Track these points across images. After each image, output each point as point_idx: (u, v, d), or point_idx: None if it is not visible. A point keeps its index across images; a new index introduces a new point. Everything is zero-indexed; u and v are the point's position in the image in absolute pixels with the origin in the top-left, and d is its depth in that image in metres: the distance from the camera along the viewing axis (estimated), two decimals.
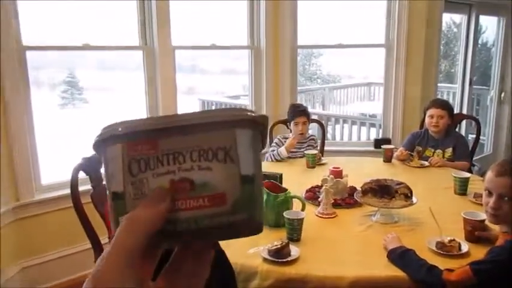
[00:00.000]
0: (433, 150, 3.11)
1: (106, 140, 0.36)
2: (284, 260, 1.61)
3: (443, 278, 1.48)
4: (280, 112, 3.88)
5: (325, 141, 3.70)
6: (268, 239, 1.69)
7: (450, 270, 1.50)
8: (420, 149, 3.12)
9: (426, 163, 2.97)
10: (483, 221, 1.77)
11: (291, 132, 3.25)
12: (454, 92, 5.41)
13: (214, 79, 8.83)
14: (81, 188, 2.02)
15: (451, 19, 6.15)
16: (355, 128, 5.98)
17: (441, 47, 4.58)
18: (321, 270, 1.57)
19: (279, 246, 1.62)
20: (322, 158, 3.15)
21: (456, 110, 4.46)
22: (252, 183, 0.36)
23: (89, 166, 2.05)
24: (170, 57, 3.38)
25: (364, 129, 5.91)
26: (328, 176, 2.29)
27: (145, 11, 3.24)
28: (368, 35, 4.90)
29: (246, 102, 4.93)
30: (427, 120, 3.14)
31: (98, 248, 2.00)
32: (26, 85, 2.74)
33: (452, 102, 4.79)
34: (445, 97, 5.70)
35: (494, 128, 5.34)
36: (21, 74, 2.70)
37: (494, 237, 1.70)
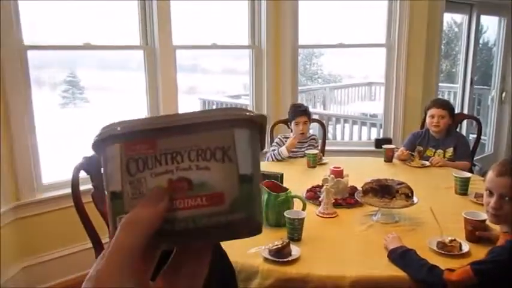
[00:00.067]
0: (434, 150, 3.11)
1: (105, 139, 0.36)
2: (285, 259, 1.61)
3: (444, 278, 1.48)
4: (281, 112, 3.88)
5: (326, 141, 3.70)
6: (269, 239, 1.69)
7: (451, 270, 1.50)
8: (421, 148, 3.12)
9: (427, 163, 2.97)
10: (484, 221, 1.77)
11: (291, 131, 3.25)
12: (455, 92, 5.40)
13: (215, 79, 8.82)
14: (82, 188, 2.02)
15: (452, 19, 6.14)
16: (356, 127, 5.98)
17: (442, 47, 4.57)
18: (322, 270, 1.57)
19: (279, 245, 1.62)
20: (323, 157, 3.15)
21: (457, 110, 4.46)
22: (251, 182, 0.36)
23: (89, 165, 2.05)
24: (171, 57, 3.38)
25: (365, 129, 5.91)
26: (329, 176, 2.29)
27: (146, 11, 3.25)
28: (369, 35, 4.90)
29: (246, 101, 4.93)
30: (428, 120, 3.13)
31: (98, 247, 2.01)
32: (27, 84, 2.74)
33: (453, 102, 4.79)
34: (446, 97, 5.70)
35: (495, 127, 5.34)
36: (22, 73, 2.70)
37: (495, 237, 1.70)
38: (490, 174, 1.65)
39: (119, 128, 0.35)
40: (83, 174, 2.05)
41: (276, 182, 2.09)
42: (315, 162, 2.96)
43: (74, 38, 3.11)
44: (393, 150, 3.12)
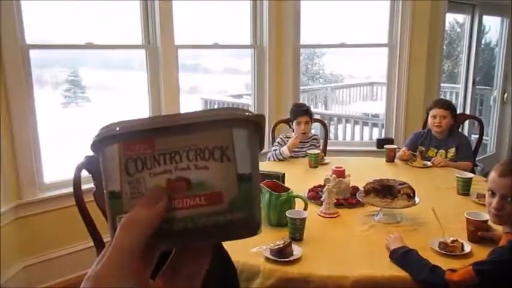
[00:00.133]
0: (435, 150, 3.11)
1: (103, 140, 0.36)
2: (286, 259, 1.61)
3: (446, 278, 1.47)
4: (282, 111, 3.88)
5: (328, 141, 3.70)
6: (271, 239, 1.69)
7: (453, 271, 1.50)
8: (423, 149, 3.11)
9: (429, 163, 2.96)
10: (486, 221, 1.77)
11: (293, 131, 3.24)
12: (457, 92, 5.40)
13: (216, 78, 8.83)
14: (83, 187, 2.03)
15: (454, 19, 6.13)
16: (357, 127, 5.98)
17: (444, 47, 4.57)
18: (323, 270, 1.57)
19: (281, 245, 1.62)
20: (325, 157, 3.15)
21: (459, 110, 4.45)
22: (249, 182, 0.36)
23: (91, 164, 2.05)
24: (173, 56, 3.38)
25: (366, 129, 5.90)
26: (331, 176, 2.28)
27: (148, 10, 3.25)
28: (371, 35, 4.89)
29: (248, 101, 4.93)
30: (429, 120, 3.13)
31: (100, 246, 2.01)
32: (29, 83, 2.75)
33: (455, 103, 4.79)
34: (448, 97, 5.69)
35: (497, 128, 5.33)
36: (25, 72, 2.71)
37: (497, 238, 1.70)
38: (492, 174, 1.65)
39: (117, 128, 0.35)
40: (84, 173, 2.05)
41: (277, 181, 2.09)
42: (317, 162, 2.96)
43: (76, 37, 3.11)
44: (395, 151, 3.11)
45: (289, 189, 2.00)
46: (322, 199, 2.14)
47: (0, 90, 2.58)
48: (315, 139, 3.31)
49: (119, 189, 0.36)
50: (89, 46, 3.12)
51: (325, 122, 4.07)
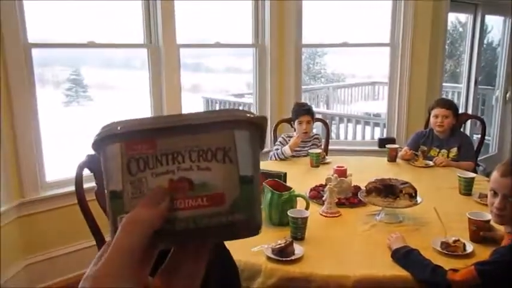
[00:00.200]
0: (437, 150, 3.10)
1: (105, 139, 0.36)
2: (288, 258, 1.61)
3: (448, 278, 1.47)
4: (284, 111, 3.88)
5: (329, 140, 3.69)
6: (272, 238, 1.69)
7: (455, 271, 1.49)
8: (425, 148, 3.11)
9: (431, 163, 2.96)
10: (488, 221, 1.77)
11: (295, 131, 3.24)
12: (459, 92, 5.39)
13: (218, 77, 8.83)
14: (85, 185, 2.03)
15: (456, 19, 6.12)
16: (359, 127, 5.97)
17: (446, 47, 4.56)
18: (325, 269, 1.56)
19: (282, 244, 1.62)
20: (326, 157, 3.14)
21: (461, 110, 4.44)
22: (251, 183, 0.36)
23: (93, 163, 2.05)
24: (175, 55, 3.38)
25: (368, 128, 5.90)
26: (332, 175, 2.28)
27: (150, 9, 3.25)
28: (373, 34, 4.89)
29: (250, 100, 4.93)
30: (431, 120, 3.12)
31: (102, 245, 1.99)
32: (31, 82, 2.75)
33: (457, 102, 4.78)
34: (450, 97, 5.69)
35: (499, 128, 5.32)
36: (27, 71, 2.71)
37: (499, 238, 1.69)
38: (495, 174, 1.64)
39: (119, 128, 0.35)
40: (86, 172, 2.05)
41: (279, 181, 2.09)
42: (318, 162, 2.96)
43: (78, 36, 3.12)
44: (397, 150, 3.11)
45: (290, 188, 2.00)
46: (323, 198, 2.13)
47: (2, 89, 2.58)
48: (317, 138, 3.31)
49: (120, 189, 0.36)
50: (91, 45, 3.12)
51: (327, 121, 4.06)
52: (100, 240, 2.01)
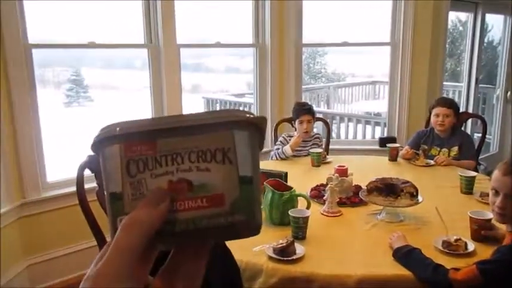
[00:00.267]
0: (438, 149, 3.10)
1: (104, 140, 0.36)
2: (289, 258, 1.61)
3: (450, 277, 1.47)
4: (285, 110, 3.88)
5: (330, 139, 3.69)
6: (274, 237, 1.69)
7: (456, 269, 1.49)
8: (426, 147, 3.11)
9: (432, 162, 2.96)
10: (490, 220, 1.76)
11: (295, 130, 3.24)
12: (459, 91, 5.38)
13: (218, 77, 8.83)
14: (86, 186, 2.03)
15: (456, 17, 6.12)
16: (360, 126, 5.97)
17: (447, 46, 4.55)
18: (326, 269, 1.56)
19: (284, 244, 1.62)
20: (327, 156, 3.14)
21: (462, 109, 4.44)
22: (251, 184, 0.36)
23: (94, 164, 2.05)
24: (175, 55, 3.38)
25: (369, 127, 5.90)
26: (333, 175, 2.28)
27: (150, 9, 3.25)
28: (373, 34, 4.89)
29: (250, 100, 4.93)
30: (432, 119, 3.12)
31: (103, 245, 2.00)
32: (32, 83, 2.75)
33: (458, 101, 4.77)
34: (450, 96, 5.68)
35: (500, 126, 5.31)
36: (28, 71, 2.71)
37: (500, 237, 1.69)
38: (496, 173, 1.64)
39: (118, 129, 0.35)
40: (87, 172, 2.05)
41: (280, 180, 2.08)
42: (319, 161, 2.95)
43: (78, 36, 3.12)
44: (398, 149, 3.11)
45: (291, 188, 2.00)
46: (324, 198, 2.13)
47: (2, 90, 2.59)
48: (318, 138, 3.30)
49: (120, 190, 0.36)
50: (91, 45, 3.12)
51: (328, 120, 4.07)
52: (101, 241, 2.01)
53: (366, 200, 2.06)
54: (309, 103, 3.53)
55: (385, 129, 4.43)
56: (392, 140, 3.96)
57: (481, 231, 1.76)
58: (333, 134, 5.72)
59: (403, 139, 3.97)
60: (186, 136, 0.35)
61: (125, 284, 0.32)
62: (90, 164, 2.05)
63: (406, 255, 1.59)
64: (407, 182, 2.00)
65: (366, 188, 2.07)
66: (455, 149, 3.04)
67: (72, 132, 4.74)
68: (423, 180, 2.41)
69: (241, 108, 6.74)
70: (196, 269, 0.38)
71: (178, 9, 3.30)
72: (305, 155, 3.14)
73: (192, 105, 6.54)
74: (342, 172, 2.38)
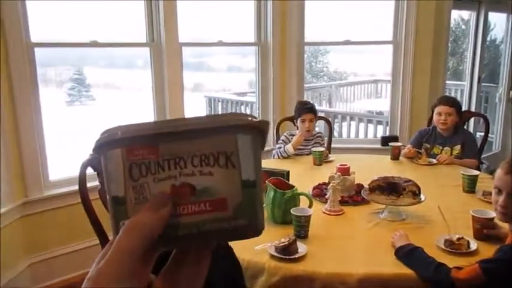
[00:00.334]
0: (441, 147, 3.09)
1: (104, 145, 0.36)
2: (291, 256, 1.61)
3: (452, 276, 1.47)
4: (286, 109, 3.87)
5: (332, 138, 3.69)
6: (276, 236, 1.69)
7: (459, 268, 1.49)
8: (428, 146, 3.10)
9: (434, 161, 2.95)
10: (492, 219, 1.76)
11: (297, 129, 3.24)
12: (462, 90, 5.37)
13: (220, 76, 8.84)
14: (89, 184, 2.03)
15: (459, 16, 6.11)
16: (362, 125, 5.96)
17: (449, 44, 4.54)
18: (328, 267, 1.56)
19: (286, 243, 1.62)
20: (329, 155, 3.14)
21: (464, 108, 4.42)
22: (253, 188, 0.36)
23: (96, 162, 2.06)
24: (177, 54, 3.38)
25: (371, 126, 5.89)
26: (335, 173, 2.28)
27: (152, 8, 3.25)
28: (376, 32, 4.88)
29: (252, 99, 4.93)
30: (435, 117, 3.11)
31: (105, 243, 2.00)
32: (34, 82, 2.75)
33: (461, 100, 4.75)
34: (453, 94, 5.67)
35: (502, 125, 5.30)
36: (30, 70, 2.71)
37: (503, 235, 1.69)
38: (499, 172, 1.64)
39: (119, 133, 0.35)
40: (90, 171, 2.05)
41: (282, 179, 2.08)
42: (321, 160, 2.95)
43: (81, 35, 3.12)
44: (400, 148, 3.10)
45: (293, 186, 2.00)
46: (326, 197, 2.13)
47: (5, 89, 2.59)
48: (320, 137, 3.30)
49: (123, 195, 0.36)
50: (94, 44, 3.12)
51: (330, 119, 4.06)
52: (103, 239, 2.01)
53: (368, 199, 2.06)
54: (311, 102, 3.53)
55: (387, 128, 4.42)
56: (395, 138, 3.95)
57: (484, 230, 1.75)
58: (335, 133, 5.71)
59: (405, 138, 3.96)
60: (189, 140, 0.35)
61: (125, 284, 0.32)
62: (92, 162, 2.06)
63: (408, 254, 1.59)
64: (410, 180, 2.00)
65: (368, 186, 2.07)
66: (458, 147, 3.04)
67: (74, 131, 4.75)
68: (425, 179, 2.40)
69: (243, 107, 6.74)
70: (198, 269, 0.38)
71: (180, 7, 3.30)
72: (307, 154, 3.13)
73: (193, 104, 6.54)
74: (344, 171, 2.38)
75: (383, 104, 7.02)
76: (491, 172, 1.91)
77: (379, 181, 2.02)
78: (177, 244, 0.37)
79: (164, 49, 3.30)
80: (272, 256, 1.62)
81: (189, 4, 3.45)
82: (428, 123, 3.44)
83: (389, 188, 1.99)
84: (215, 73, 8.66)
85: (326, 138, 3.48)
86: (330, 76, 10.51)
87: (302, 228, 1.80)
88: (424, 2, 3.90)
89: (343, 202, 2.15)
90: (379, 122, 5.75)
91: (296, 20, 3.92)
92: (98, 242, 2.04)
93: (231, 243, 1.14)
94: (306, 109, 3.19)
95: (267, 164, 2.71)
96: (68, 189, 2.85)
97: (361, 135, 5.90)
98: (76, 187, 2.02)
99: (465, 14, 5.47)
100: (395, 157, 3.07)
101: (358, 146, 4.30)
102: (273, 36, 3.87)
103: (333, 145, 3.63)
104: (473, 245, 1.68)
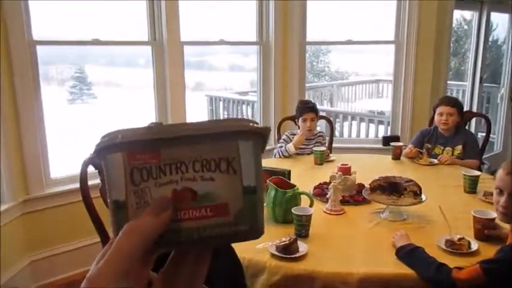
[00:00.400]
0: (442, 147, 3.09)
1: (105, 148, 0.35)
2: (292, 256, 1.61)
3: (453, 276, 1.47)
4: (288, 108, 3.87)
5: (333, 138, 3.69)
6: (277, 235, 1.69)
7: (459, 269, 1.49)
8: (429, 146, 3.10)
9: (435, 161, 2.95)
10: (493, 219, 1.76)
11: (299, 128, 3.24)
12: (464, 90, 5.37)
13: (222, 75, 8.84)
14: (90, 182, 2.03)
15: (461, 16, 6.10)
16: (363, 125, 5.96)
17: (451, 44, 4.54)
18: (329, 267, 1.56)
19: (287, 242, 1.62)
20: (330, 155, 3.14)
21: (466, 108, 4.42)
22: (254, 193, 0.36)
23: (97, 161, 2.06)
24: (179, 53, 3.38)
25: (372, 126, 5.89)
26: (337, 173, 2.28)
27: (154, 6, 3.25)
28: (378, 32, 4.87)
29: (254, 98, 4.93)
30: (436, 117, 3.11)
31: (106, 241, 2.00)
32: (36, 80, 2.76)
33: (462, 100, 4.75)
34: (454, 95, 5.67)
35: (504, 126, 5.29)
36: (32, 68, 2.72)
37: (504, 236, 1.69)
38: (500, 172, 1.64)
39: (120, 136, 0.35)
40: (91, 168, 2.05)
41: (283, 178, 2.08)
42: (322, 159, 2.95)
43: (82, 33, 3.12)
44: (401, 148, 3.10)
45: (295, 186, 2.00)
46: (327, 196, 2.13)
47: (7, 86, 2.59)
48: (321, 136, 3.30)
49: (123, 199, 0.35)
50: (95, 42, 3.12)
51: (331, 119, 4.06)
52: (104, 237, 2.02)
53: (369, 199, 2.06)
54: (313, 101, 3.53)
55: (389, 127, 4.42)
56: (396, 138, 3.95)
57: (485, 230, 1.75)
58: (336, 133, 5.71)
59: (407, 138, 3.96)
60: (191, 145, 0.35)
61: (124, 284, 0.32)
62: (93, 160, 2.06)
63: (409, 253, 1.59)
64: (411, 180, 2.00)
65: (369, 186, 2.07)
66: (459, 148, 3.03)
67: (75, 129, 4.76)
68: (427, 179, 2.40)
69: (244, 107, 6.74)
70: (197, 270, 0.38)
71: (182, 6, 3.30)
72: (308, 153, 3.13)
73: (195, 103, 6.55)
74: (345, 170, 2.38)
75: (384, 104, 7.02)
76: (493, 173, 1.91)
77: (380, 181, 2.02)
78: (177, 248, 0.37)
79: (166, 48, 3.30)
80: (273, 255, 1.62)
81: (191, 3, 3.44)
82: (430, 123, 3.43)
83: (390, 187, 1.99)
84: (217, 72, 8.66)
85: (327, 138, 3.48)
86: (332, 76, 10.50)
87: (303, 227, 1.80)
88: (426, 2, 3.89)
89: (344, 202, 2.15)
90: (381, 122, 5.75)
91: (298, 19, 3.91)
92: (98, 239, 2.05)
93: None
94: (308, 108, 3.19)
95: (268, 163, 2.71)
96: (69, 187, 2.86)
97: (363, 135, 5.89)
98: (77, 185, 2.03)
99: (467, 14, 5.47)
100: (396, 157, 3.06)
101: (360, 146, 4.30)
102: (275, 35, 3.87)
103: (334, 145, 3.63)
104: (474, 246, 1.68)
